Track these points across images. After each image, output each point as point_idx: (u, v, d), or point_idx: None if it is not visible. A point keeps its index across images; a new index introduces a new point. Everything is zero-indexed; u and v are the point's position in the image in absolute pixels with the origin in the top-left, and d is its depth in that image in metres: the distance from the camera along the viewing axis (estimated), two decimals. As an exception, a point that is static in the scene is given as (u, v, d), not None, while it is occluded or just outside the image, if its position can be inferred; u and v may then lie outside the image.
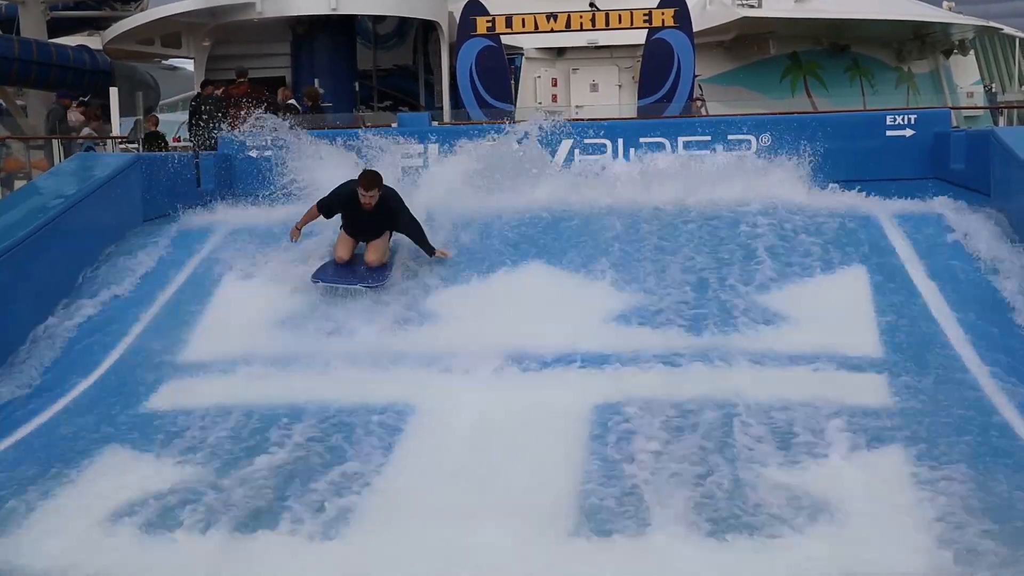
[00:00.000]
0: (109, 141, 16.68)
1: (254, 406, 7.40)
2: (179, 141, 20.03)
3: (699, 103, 19.44)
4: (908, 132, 12.65)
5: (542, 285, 9.09)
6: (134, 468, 6.64)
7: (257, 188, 12.03)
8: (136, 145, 16.80)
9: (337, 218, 9.52)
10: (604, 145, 12.96)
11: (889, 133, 12.69)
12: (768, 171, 11.28)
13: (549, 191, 10.92)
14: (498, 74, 18.28)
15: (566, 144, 12.74)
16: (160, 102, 27.37)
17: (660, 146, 12.75)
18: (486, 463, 6.39)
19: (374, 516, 5.90)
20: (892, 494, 5.83)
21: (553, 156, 12.37)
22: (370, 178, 9.18)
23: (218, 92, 17.15)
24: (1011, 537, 5.27)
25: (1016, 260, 9.00)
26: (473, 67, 18.12)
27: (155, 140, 17.01)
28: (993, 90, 27.95)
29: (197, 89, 19.11)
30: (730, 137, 12.70)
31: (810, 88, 22.65)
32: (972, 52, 26.33)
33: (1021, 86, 32.94)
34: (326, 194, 9.52)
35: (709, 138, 12.83)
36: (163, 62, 29.61)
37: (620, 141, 12.95)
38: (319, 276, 9.13)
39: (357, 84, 22.64)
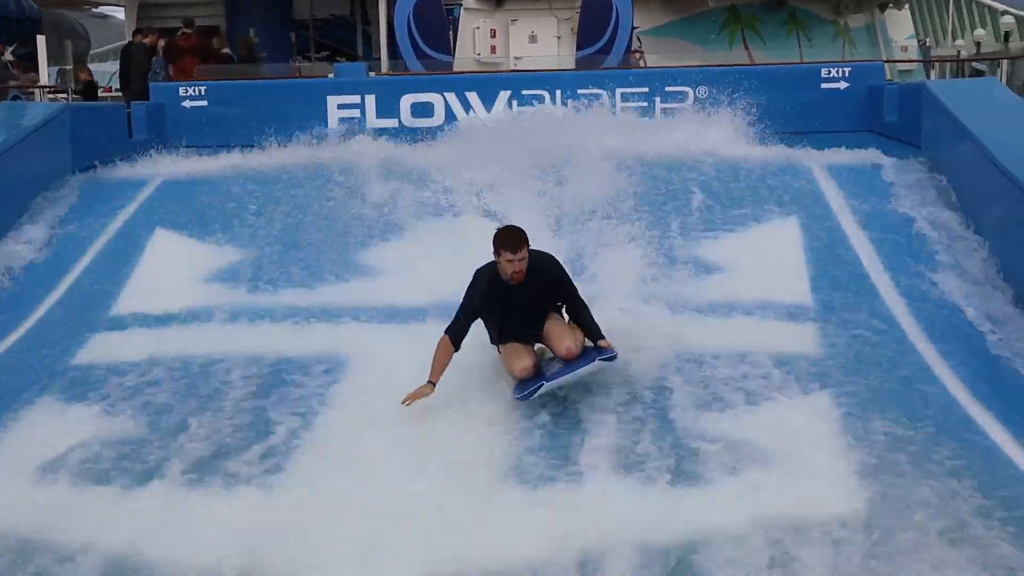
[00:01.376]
0: (36, 90, 16.27)
1: (187, 359, 7.32)
2: (110, 91, 19.61)
3: (638, 55, 19.39)
4: (842, 85, 12.78)
5: (476, 236, 9.08)
6: (65, 422, 6.53)
7: (191, 139, 11.85)
8: (66, 95, 16.40)
9: None
10: (543, 96, 12.97)
11: (824, 86, 12.81)
12: (704, 123, 11.36)
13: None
14: (436, 25, 18.06)
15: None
16: (90, 51, 26.72)
17: (597, 97, 12.75)
18: (420, 415, 6.39)
19: (308, 468, 5.87)
20: (824, 439, 5.92)
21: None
22: (515, 235, 6.28)
23: (146, 41, 16.74)
24: (937, 479, 5.39)
25: (944, 211, 9.17)
26: (411, 17, 17.88)
27: (91, 90, 16.68)
28: (927, 44, 28.21)
29: (128, 38, 18.68)
30: (667, 89, 12.73)
31: (748, 41, 22.65)
32: (907, 6, 26.51)
33: (954, 40, 33.32)
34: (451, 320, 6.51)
35: (646, 90, 12.85)
36: (93, 10, 28.88)
37: (558, 92, 12.93)
38: (529, 389, 6.29)
39: (293, 34, 22.29)
